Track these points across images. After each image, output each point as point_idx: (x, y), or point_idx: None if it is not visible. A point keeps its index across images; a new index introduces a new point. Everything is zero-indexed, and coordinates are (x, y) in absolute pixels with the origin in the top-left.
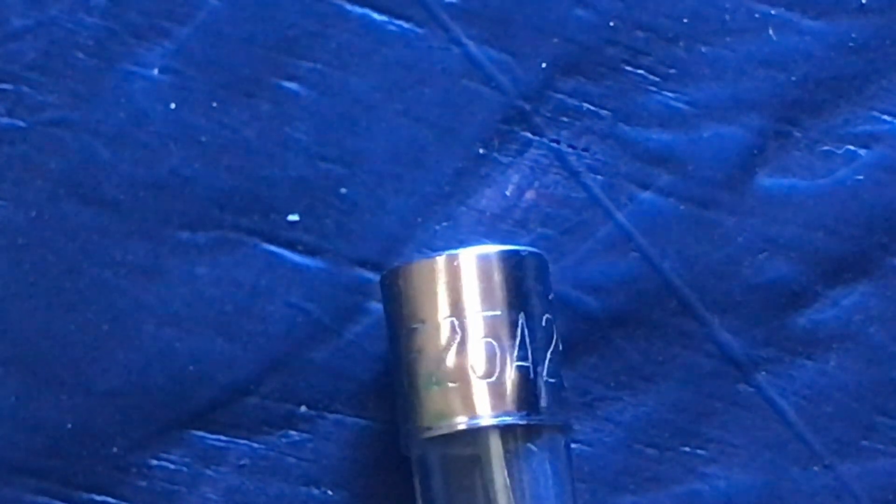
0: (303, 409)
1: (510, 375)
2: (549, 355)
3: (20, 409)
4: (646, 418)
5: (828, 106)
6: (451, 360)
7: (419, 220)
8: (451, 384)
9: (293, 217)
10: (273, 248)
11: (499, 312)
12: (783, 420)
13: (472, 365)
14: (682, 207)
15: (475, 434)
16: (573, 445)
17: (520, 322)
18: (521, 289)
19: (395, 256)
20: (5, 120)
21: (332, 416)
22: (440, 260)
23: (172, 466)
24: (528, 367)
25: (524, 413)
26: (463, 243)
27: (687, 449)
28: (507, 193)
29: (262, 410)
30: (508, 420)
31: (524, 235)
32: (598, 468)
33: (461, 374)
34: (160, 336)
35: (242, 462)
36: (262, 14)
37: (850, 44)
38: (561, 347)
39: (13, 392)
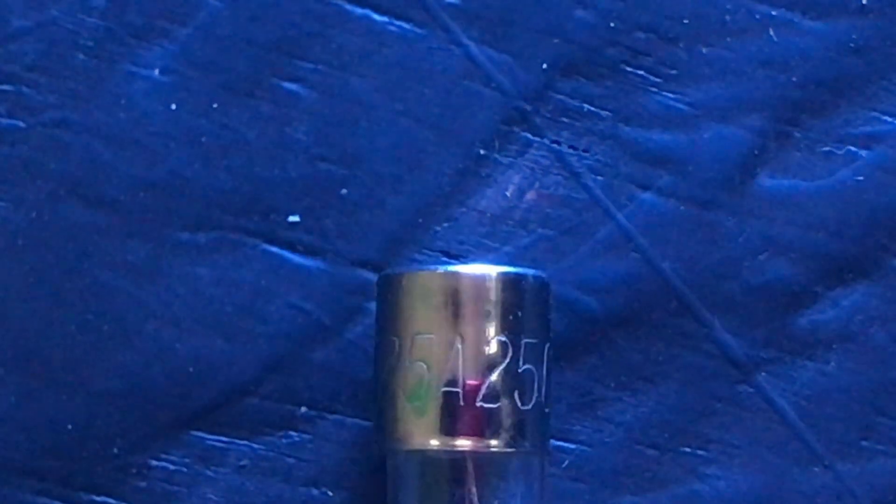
0: (303, 409)
1: (501, 402)
2: (540, 381)
3: (20, 409)
4: (646, 419)
5: (828, 106)
6: (442, 378)
7: (419, 220)
8: (437, 402)
9: (293, 218)
10: (273, 248)
11: (499, 336)
12: (783, 420)
13: (463, 386)
14: (682, 208)
15: (453, 454)
16: (572, 446)
17: (519, 346)
18: (522, 313)
19: (395, 257)
20: (5, 120)
21: (332, 417)
22: (441, 274)
23: (172, 467)
24: (517, 394)
25: (507, 441)
26: (463, 244)
27: (687, 449)
28: (508, 194)
29: (262, 411)
30: (492, 448)
31: (524, 236)
32: (598, 468)
33: (448, 395)
34: (160, 336)
35: (242, 463)
36: (263, 14)
37: (851, 44)
38: (550, 368)
39: (13, 392)
